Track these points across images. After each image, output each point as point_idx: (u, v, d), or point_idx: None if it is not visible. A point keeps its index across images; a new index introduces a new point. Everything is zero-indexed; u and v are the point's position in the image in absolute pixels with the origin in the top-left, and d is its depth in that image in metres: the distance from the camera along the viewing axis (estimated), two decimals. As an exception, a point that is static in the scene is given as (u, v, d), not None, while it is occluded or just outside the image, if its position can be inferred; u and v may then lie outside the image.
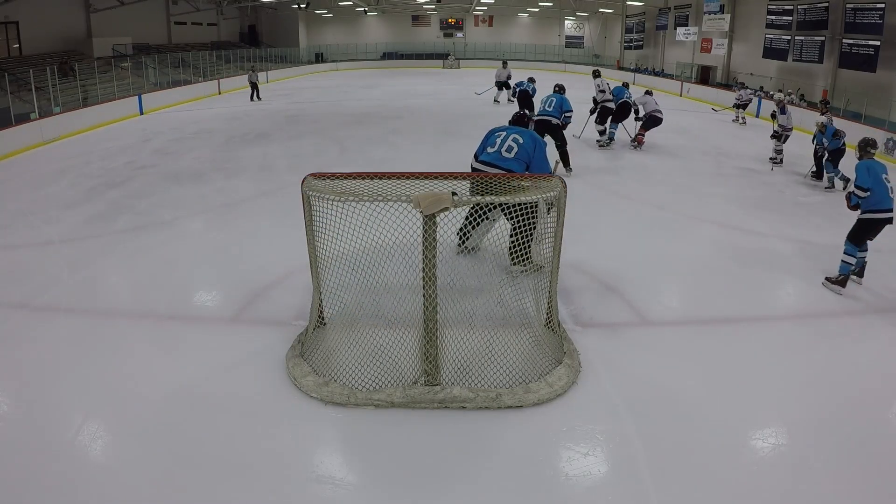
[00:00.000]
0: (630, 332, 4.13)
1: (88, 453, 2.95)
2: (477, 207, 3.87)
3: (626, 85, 10.89)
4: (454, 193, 3.20)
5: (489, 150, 4.84)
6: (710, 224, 6.49)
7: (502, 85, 16.56)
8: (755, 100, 15.54)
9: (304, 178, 3.43)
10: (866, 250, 4.90)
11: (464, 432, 3.05)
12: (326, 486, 2.70)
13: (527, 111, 12.95)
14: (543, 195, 3.48)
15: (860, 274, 4.94)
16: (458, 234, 4.22)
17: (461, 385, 3.29)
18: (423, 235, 3.16)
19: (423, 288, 3.22)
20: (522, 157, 4.73)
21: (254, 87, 18.36)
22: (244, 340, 3.93)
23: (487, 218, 4.23)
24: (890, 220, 4.70)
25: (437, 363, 3.29)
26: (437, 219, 3.15)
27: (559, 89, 8.95)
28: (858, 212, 4.79)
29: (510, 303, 4.12)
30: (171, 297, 4.58)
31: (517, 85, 13.60)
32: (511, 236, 4.10)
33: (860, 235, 4.78)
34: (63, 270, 5.14)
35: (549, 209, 3.88)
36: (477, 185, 3.56)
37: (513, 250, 4.09)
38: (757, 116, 15.49)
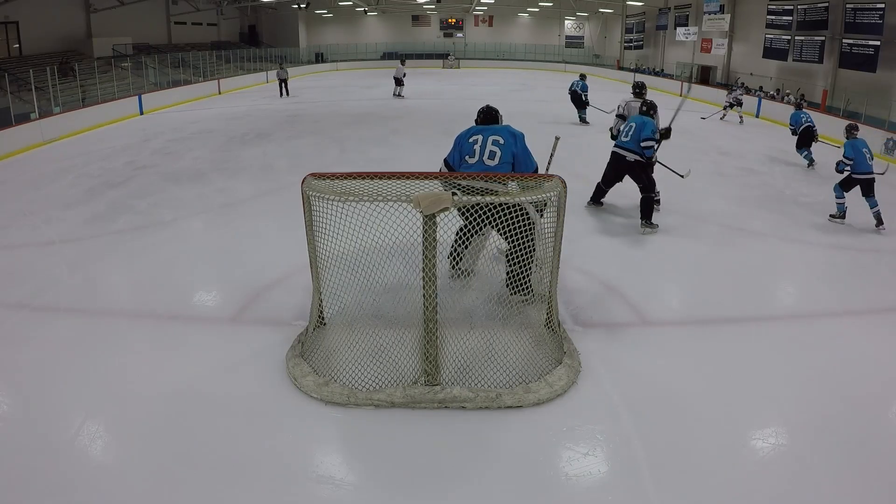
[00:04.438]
0: (630, 332, 4.13)
1: (88, 453, 2.94)
2: (465, 228, 3.54)
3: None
4: (454, 193, 3.20)
5: (469, 160, 4.15)
6: (710, 224, 6.49)
7: (399, 81, 17.97)
8: (756, 100, 15.57)
9: (304, 178, 3.43)
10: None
11: (464, 432, 3.05)
12: (326, 486, 2.70)
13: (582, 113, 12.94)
14: (541, 196, 3.47)
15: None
16: (448, 257, 4.17)
17: (461, 385, 3.28)
18: (423, 235, 3.16)
19: (423, 288, 3.22)
20: (507, 159, 4.11)
21: (283, 83, 19.04)
22: (244, 340, 3.93)
23: (478, 233, 3.76)
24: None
25: (437, 363, 3.29)
26: (437, 219, 3.15)
27: (647, 108, 6.26)
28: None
29: (510, 303, 4.12)
30: (171, 297, 4.57)
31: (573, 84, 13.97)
32: (508, 262, 3.79)
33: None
34: (63, 270, 5.13)
35: (541, 212, 3.75)
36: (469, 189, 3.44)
37: (511, 277, 3.82)
38: (757, 116, 15.51)
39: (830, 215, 6.79)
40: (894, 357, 3.89)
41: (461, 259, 4.29)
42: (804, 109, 10.29)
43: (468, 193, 3.35)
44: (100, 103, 14.30)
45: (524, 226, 3.51)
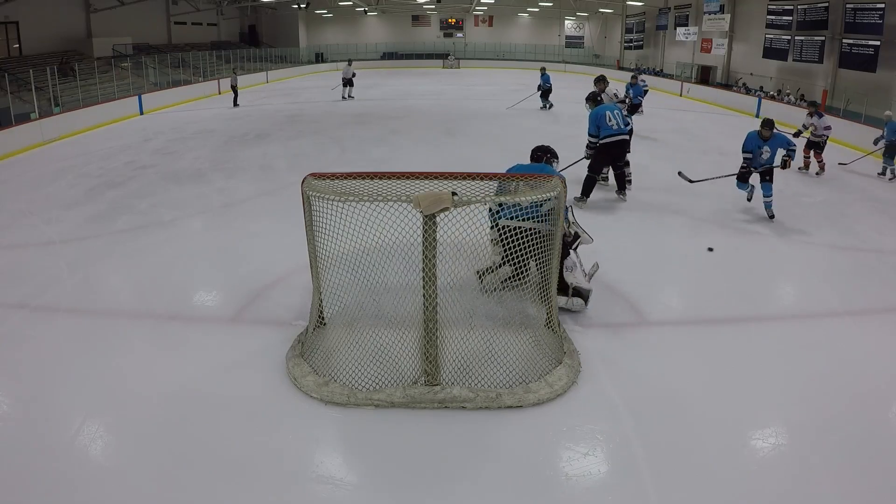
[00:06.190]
0: (630, 332, 4.13)
1: (88, 453, 2.94)
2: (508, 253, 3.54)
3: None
4: (454, 193, 3.20)
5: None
6: (711, 224, 6.49)
7: (348, 82, 17.89)
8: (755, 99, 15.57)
9: (304, 178, 3.43)
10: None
11: (464, 432, 3.05)
12: (326, 486, 2.70)
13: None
14: (544, 195, 3.47)
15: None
16: (479, 273, 4.27)
17: (461, 385, 3.28)
18: (423, 235, 3.16)
19: (423, 288, 3.22)
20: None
21: (234, 91, 16.83)
22: (244, 340, 3.93)
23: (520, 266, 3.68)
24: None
25: (437, 363, 3.29)
26: (437, 219, 3.15)
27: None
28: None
29: (510, 303, 4.12)
30: (171, 297, 4.57)
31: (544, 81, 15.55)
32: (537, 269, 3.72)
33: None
34: (63, 270, 5.13)
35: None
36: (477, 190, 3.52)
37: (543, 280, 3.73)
38: (756, 116, 15.49)
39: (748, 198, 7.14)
40: (894, 357, 3.88)
41: (486, 275, 4.30)
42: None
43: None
44: (100, 103, 14.30)
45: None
